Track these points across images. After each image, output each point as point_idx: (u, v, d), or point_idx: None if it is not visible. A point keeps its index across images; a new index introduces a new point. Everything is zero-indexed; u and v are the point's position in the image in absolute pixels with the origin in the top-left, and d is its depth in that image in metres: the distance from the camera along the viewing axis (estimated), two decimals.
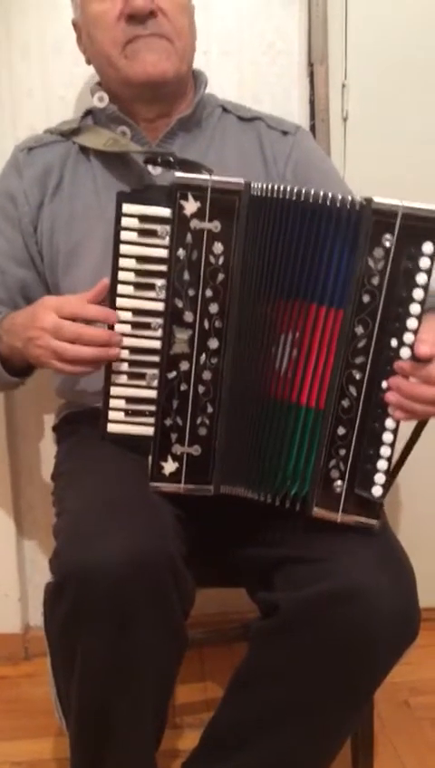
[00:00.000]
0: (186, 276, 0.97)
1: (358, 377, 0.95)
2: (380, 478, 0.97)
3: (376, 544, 1.00)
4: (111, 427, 1.03)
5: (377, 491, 0.97)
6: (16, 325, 1.09)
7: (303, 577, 0.98)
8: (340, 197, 0.94)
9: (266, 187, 0.96)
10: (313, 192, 0.94)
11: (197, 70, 1.26)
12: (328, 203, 0.94)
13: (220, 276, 0.97)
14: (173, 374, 0.99)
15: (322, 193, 0.94)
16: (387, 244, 0.92)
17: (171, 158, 1.07)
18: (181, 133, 1.22)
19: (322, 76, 1.48)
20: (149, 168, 1.16)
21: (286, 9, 1.46)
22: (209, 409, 0.99)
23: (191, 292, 0.97)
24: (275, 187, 0.95)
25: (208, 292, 0.97)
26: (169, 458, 1.01)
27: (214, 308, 0.98)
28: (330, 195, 0.94)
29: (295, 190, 0.95)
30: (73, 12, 1.23)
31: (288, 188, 0.95)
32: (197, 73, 1.26)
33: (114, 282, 1.00)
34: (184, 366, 0.99)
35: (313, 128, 1.49)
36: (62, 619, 0.95)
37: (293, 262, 0.96)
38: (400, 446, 1.03)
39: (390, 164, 1.53)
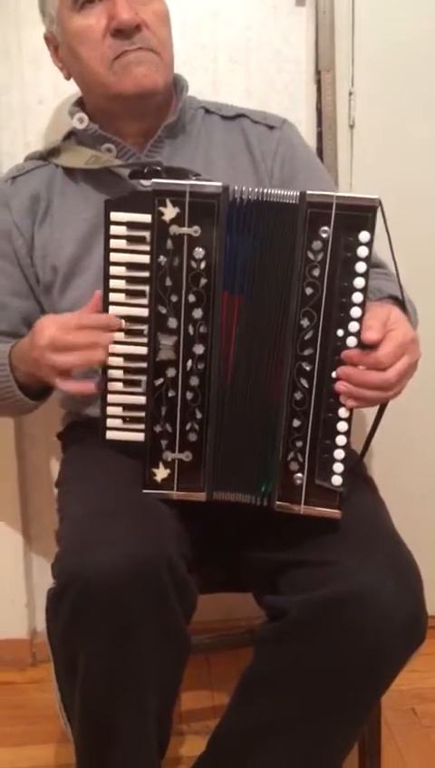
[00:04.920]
0: (168, 282, 0.97)
1: (308, 369, 0.96)
2: (338, 467, 0.97)
3: (383, 547, 0.99)
4: (110, 435, 1.04)
5: (336, 480, 0.98)
6: (23, 351, 1.10)
7: (309, 581, 0.98)
8: (295, 194, 0.94)
9: (245, 190, 0.95)
10: (283, 192, 0.95)
11: (176, 75, 1.23)
12: (289, 201, 0.94)
13: (202, 281, 0.97)
14: (160, 381, 0.99)
15: (286, 192, 0.95)
16: (324, 235, 0.93)
17: (158, 168, 1.07)
18: (168, 141, 1.21)
19: (329, 84, 1.48)
20: (142, 182, 1.14)
21: (294, 17, 1.46)
22: (199, 415, 0.99)
23: (174, 298, 0.97)
24: (253, 190, 0.95)
25: (192, 298, 0.97)
26: (161, 465, 1.01)
27: (198, 313, 0.98)
28: (291, 193, 0.94)
29: (266, 191, 0.95)
30: (46, 25, 1.20)
31: (264, 190, 0.95)
32: (176, 78, 1.24)
33: (106, 290, 1.00)
34: (171, 372, 0.99)
35: (320, 135, 1.49)
36: (63, 625, 0.96)
37: (267, 261, 0.96)
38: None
39: (396, 171, 1.53)
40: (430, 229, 1.56)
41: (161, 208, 0.95)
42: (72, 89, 1.25)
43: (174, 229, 0.95)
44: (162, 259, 0.96)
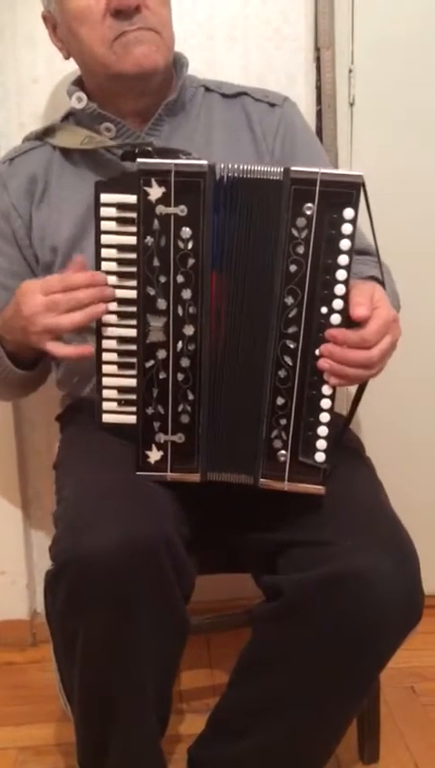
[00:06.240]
0: (156, 263, 0.96)
1: (292, 346, 0.96)
2: (322, 444, 0.97)
3: (379, 527, 1.00)
4: (106, 417, 1.04)
5: (320, 457, 0.98)
6: (8, 320, 1.08)
7: (306, 560, 0.98)
8: (279, 170, 0.93)
9: (231, 167, 0.94)
10: (268, 169, 0.94)
11: (176, 53, 1.22)
12: (274, 177, 0.93)
13: (190, 261, 0.96)
14: (151, 363, 0.98)
15: (271, 168, 0.94)
16: (308, 212, 0.93)
17: (150, 149, 1.05)
18: (167, 119, 1.20)
19: (328, 61, 1.46)
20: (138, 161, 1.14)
21: None
22: (190, 396, 0.99)
23: (163, 279, 0.96)
24: (238, 167, 0.94)
25: (180, 278, 0.96)
26: (154, 447, 1.01)
27: (187, 294, 0.97)
28: (275, 169, 0.93)
29: (251, 168, 0.94)
30: (44, 5, 1.19)
31: (249, 167, 0.94)
32: (176, 56, 1.23)
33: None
34: (161, 354, 0.98)
35: (319, 113, 1.48)
36: (61, 605, 0.96)
37: (253, 239, 0.96)
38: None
39: (396, 149, 1.52)
40: (430, 207, 1.55)
41: (147, 188, 0.94)
42: (66, 68, 1.23)
43: (160, 209, 0.95)
44: (149, 239, 0.95)
